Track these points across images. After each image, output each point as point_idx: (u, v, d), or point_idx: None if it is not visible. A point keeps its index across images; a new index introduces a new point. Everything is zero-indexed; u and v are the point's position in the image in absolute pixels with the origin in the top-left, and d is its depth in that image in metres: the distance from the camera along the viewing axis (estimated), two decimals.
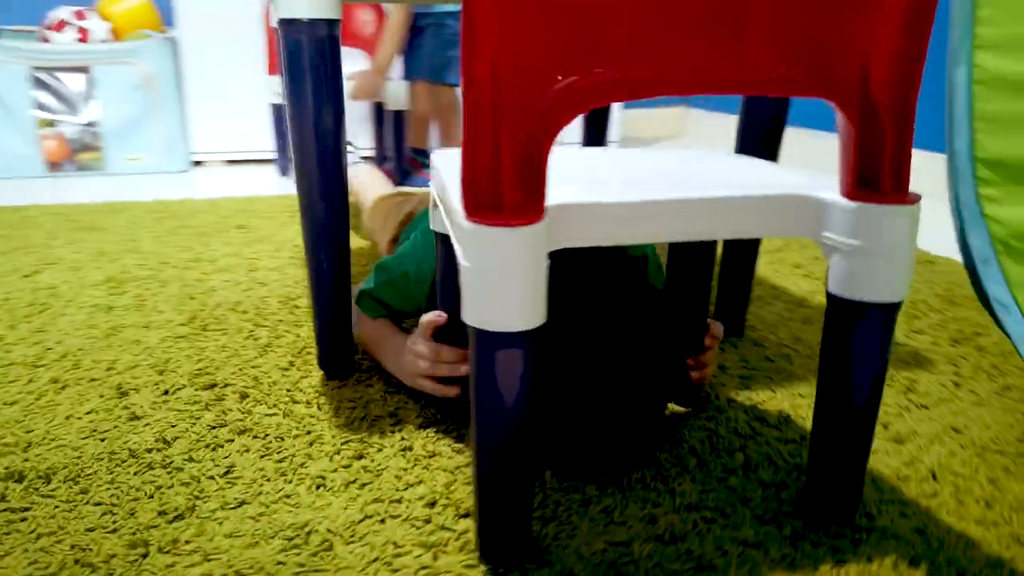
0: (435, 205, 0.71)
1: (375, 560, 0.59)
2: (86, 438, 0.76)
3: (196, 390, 0.87)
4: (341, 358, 0.90)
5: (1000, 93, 0.75)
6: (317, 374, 0.91)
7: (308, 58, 0.78)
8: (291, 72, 0.78)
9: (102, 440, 0.76)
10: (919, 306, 1.14)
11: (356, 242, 1.38)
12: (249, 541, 0.61)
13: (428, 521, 0.63)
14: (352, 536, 0.61)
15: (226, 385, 0.88)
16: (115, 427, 0.78)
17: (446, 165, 0.64)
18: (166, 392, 0.86)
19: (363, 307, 0.93)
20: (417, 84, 2.10)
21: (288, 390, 0.87)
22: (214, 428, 0.78)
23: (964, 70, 0.76)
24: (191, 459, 0.73)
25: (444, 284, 0.77)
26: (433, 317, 0.76)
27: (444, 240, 0.71)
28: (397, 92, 2.14)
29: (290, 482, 0.69)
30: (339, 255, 0.86)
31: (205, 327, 1.05)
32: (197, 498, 0.66)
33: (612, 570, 0.57)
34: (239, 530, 0.62)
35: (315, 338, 0.91)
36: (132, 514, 0.64)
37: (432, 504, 0.65)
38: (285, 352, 0.97)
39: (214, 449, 0.74)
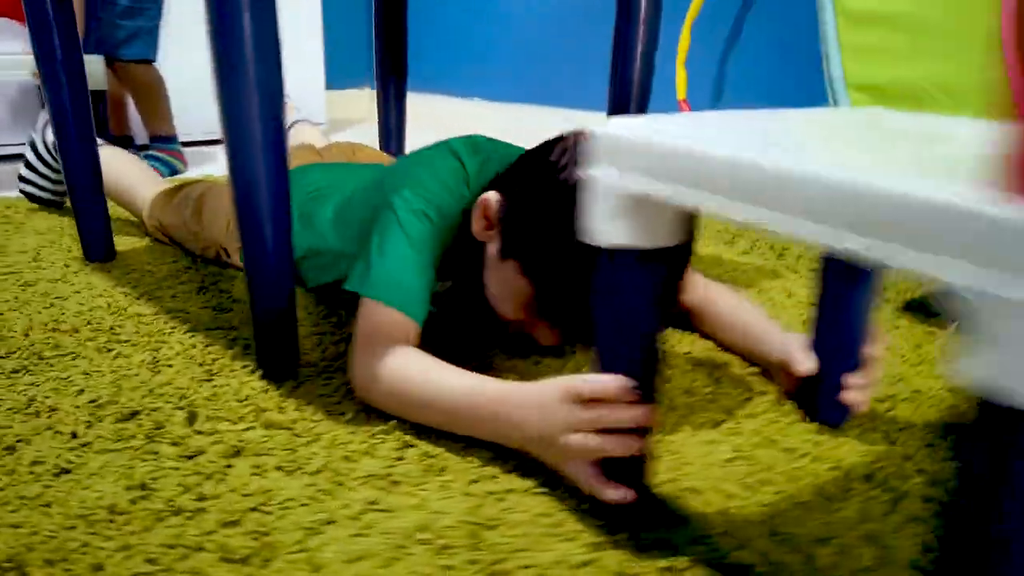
0: (621, 209, 0.47)
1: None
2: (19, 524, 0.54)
3: (116, 422, 0.66)
4: (286, 356, 0.76)
5: (858, 25, 0.91)
6: (254, 382, 0.75)
7: None
8: None
9: (47, 507, 0.55)
10: None
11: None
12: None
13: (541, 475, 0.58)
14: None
15: (151, 411, 0.69)
16: (46, 487, 0.57)
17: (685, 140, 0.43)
18: (74, 435, 0.64)
19: (410, 309, 0.69)
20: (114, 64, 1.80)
21: (240, 401, 0.71)
22: (191, 457, 0.61)
23: (828, 6, 0.91)
24: (202, 497, 0.56)
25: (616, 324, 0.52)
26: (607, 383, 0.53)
27: (624, 259, 0.49)
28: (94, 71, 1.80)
29: (382, 489, 0.58)
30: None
31: (40, 355, 0.80)
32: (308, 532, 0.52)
33: None
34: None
35: (253, 336, 0.76)
36: None
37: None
38: (183, 366, 0.78)
39: (219, 480, 0.58)
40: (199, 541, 0.51)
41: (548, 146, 0.71)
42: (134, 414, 0.68)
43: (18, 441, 0.63)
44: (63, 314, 0.91)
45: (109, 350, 0.81)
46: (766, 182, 0.39)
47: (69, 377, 0.75)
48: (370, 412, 0.68)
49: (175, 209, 1.13)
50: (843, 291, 0.64)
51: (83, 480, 0.58)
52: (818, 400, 0.67)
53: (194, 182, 1.17)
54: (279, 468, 0.60)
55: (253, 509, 0.55)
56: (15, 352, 0.81)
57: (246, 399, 0.71)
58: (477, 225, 0.73)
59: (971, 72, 0.85)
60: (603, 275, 0.51)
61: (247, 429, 0.66)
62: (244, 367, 0.77)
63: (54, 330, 0.86)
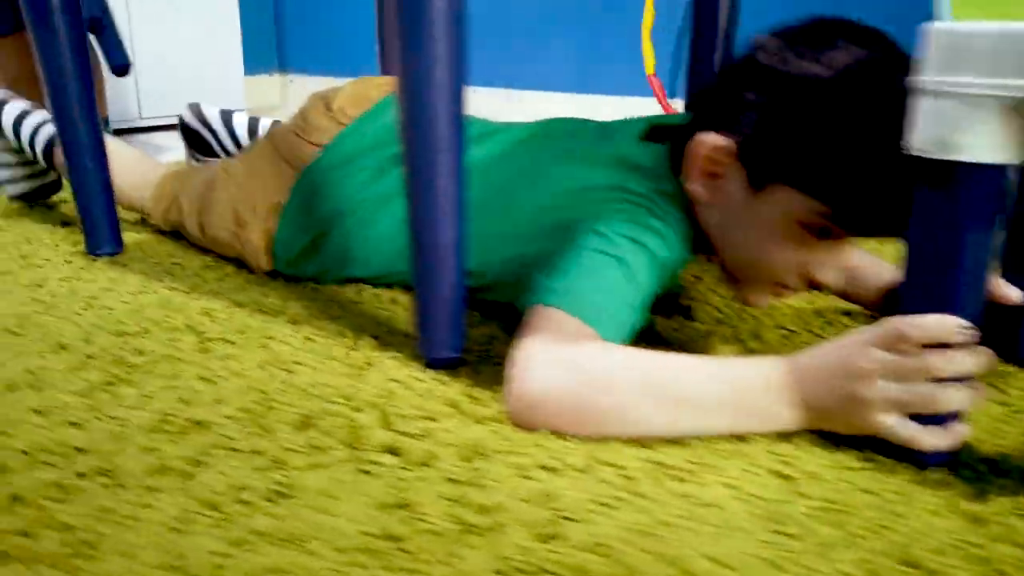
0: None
1: None
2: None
3: (295, 432, 0.53)
4: (453, 342, 0.64)
5: None
6: (416, 372, 0.63)
7: None
8: None
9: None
10: None
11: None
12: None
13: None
14: None
15: (326, 415, 0.55)
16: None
17: None
18: (255, 451, 0.50)
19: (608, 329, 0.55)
20: None
21: (421, 395, 0.59)
22: (426, 464, 0.49)
23: None
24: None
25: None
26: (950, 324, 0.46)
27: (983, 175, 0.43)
28: None
29: (680, 479, 0.48)
30: None
31: (126, 362, 0.63)
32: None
33: None
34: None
35: (418, 320, 0.63)
36: None
37: None
38: (316, 362, 0.65)
39: (481, 487, 0.47)
40: (542, 565, 0.40)
41: (754, 62, 0.59)
42: (307, 421, 0.55)
43: (190, 465, 0.49)
44: (112, 313, 0.74)
45: (207, 350, 0.66)
46: None
47: (187, 384, 0.60)
48: None
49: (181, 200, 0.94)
50: None
51: (318, 505, 0.45)
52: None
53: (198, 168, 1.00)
54: (543, 467, 0.49)
55: (566, 518, 0.44)
56: (92, 360, 0.64)
57: (427, 393, 0.59)
58: (695, 187, 0.61)
59: None
60: (948, 201, 0.44)
61: (462, 425, 0.54)
62: (391, 358, 0.65)
63: (121, 333, 0.70)
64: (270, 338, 0.69)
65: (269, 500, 0.46)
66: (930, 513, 0.45)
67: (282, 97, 2.95)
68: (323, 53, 2.81)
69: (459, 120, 0.58)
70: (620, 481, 0.48)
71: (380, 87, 0.84)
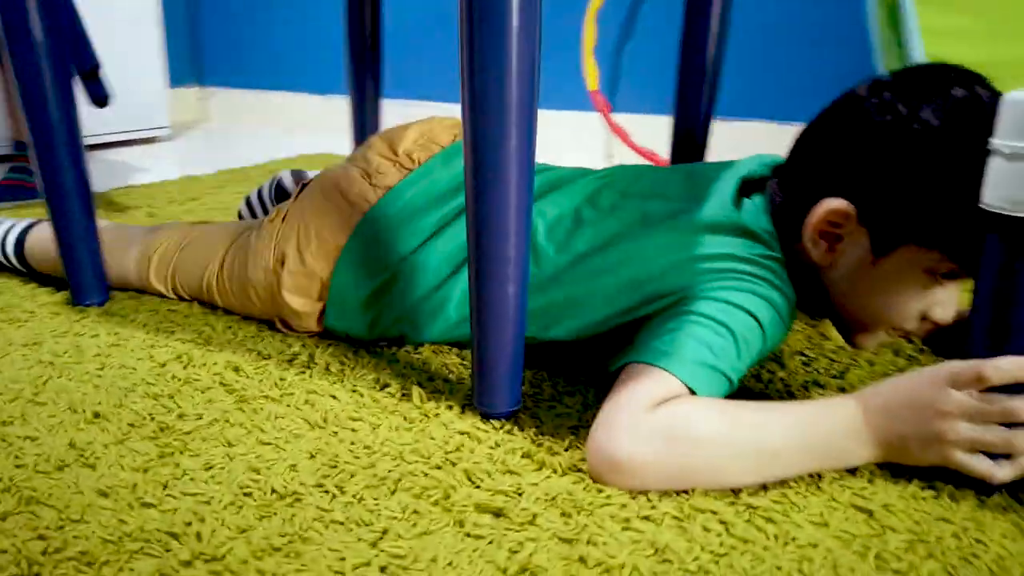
0: None
1: None
2: None
3: (387, 496, 0.52)
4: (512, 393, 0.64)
5: (937, 10, 0.96)
6: (477, 423, 0.63)
7: None
8: None
9: None
10: None
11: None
12: None
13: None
14: None
15: (405, 474, 0.55)
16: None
17: None
18: (351, 520, 0.50)
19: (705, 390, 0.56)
20: None
21: (494, 447, 0.59)
22: (532, 522, 0.50)
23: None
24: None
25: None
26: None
27: None
28: None
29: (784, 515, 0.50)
30: None
31: (168, 427, 0.61)
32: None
33: None
34: None
35: (476, 372, 0.63)
36: None
37: None
38: (374, 416, 0.64)
39: (614, 544, 0.48)
40: None
41: (856, 114, 0.61)
42: (393, 484, 0.54)
43: (295, 542, 0.48)
44: (133, 372, 0.71)
45: (254, 410, 0.64)
46: None
47: (250, 451, 0.58)
48: None
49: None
50: None
51: (436, 572, 0.45)
52: None
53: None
54: (644, 518, 0.51)
55: (687, 571, 0.46)
56: (136, 429, 0.61)
57: (497, 445, 0.60)
58: (818, 251, 0.63)
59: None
60: (1018, 248, 0.49)
61: (546, 478, 0.55)
62: (448, 408, 0.65)
63: (153, 396, 0.67)
64: (312, 392, 0.68)
65: (388, 574, 0.45)
66: (1006, 538, 0.49)
67: (202, 111, 2.85)
68: (243, 66, 2.73)
69: (529, 176, 0.58)
70: (718, 527, 0.50)
71: (448, 129, 0.80)
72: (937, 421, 0.52)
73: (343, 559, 0.46)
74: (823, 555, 0.48)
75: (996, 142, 0.49)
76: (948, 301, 0.63)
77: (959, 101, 0.57)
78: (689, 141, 0.98)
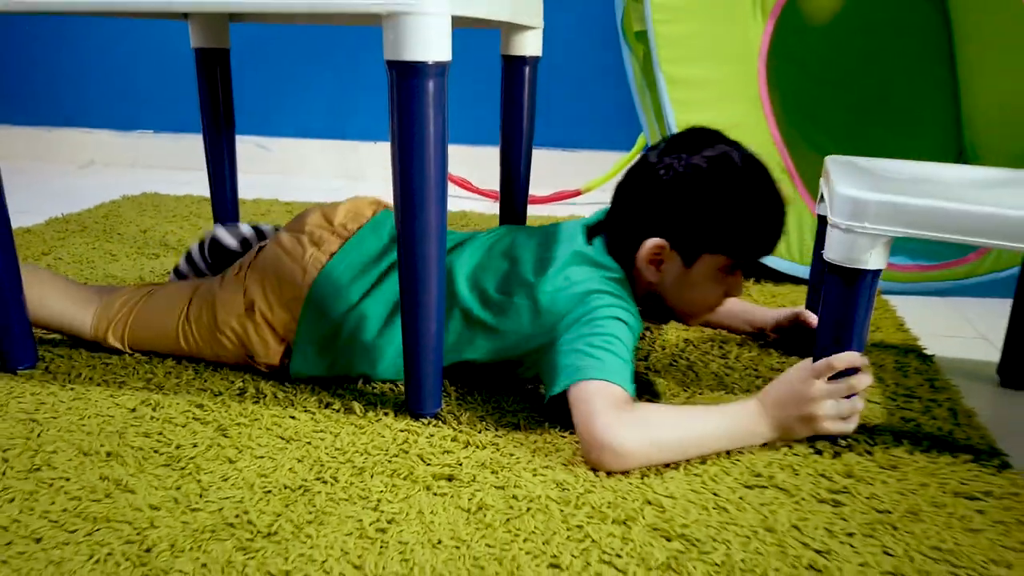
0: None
1: None
2: None
3: (380, 478, 0.74)
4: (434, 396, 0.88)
5: (680, 87, 1.32)
6: (443, 431, 0.87)
7: None
8: None
9: None
10: None
11: None
12: None
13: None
14: None
15: (385, 463, 0.77)
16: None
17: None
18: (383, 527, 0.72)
19: (628, 384, 0.81)
20: None
21: (445, 443, 0.83)
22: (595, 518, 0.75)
23: (661, 75, 1.31)
24: None
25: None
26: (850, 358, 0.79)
27: (873, 278, 0.77)
28: None
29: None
30: None
31: (195, 468, 0.78)
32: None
33: None
34: None
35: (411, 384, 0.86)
36: None
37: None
38: (352, 447, 0.85)
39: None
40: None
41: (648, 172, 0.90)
42: (364, 469, 0.77)
43: (317, 516, 0.69)
44: (114, 420, 0.86)
45: (231, 435, 0.83)
46: (974, 219, 0.73)
47: (246, 464, 0.77)
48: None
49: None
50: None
51: (423, 521, 0.69)
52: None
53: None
54: (564, 465, 0.78)
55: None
56: (147, 461, 0.77)
57: (433, 435, 0.84)
58: (650, 273, 0.91)
59: (745, 115, 1.33)
60: (851, 291, 0.77)
61: (475, 451, 0.80)
62: (385, 415, 0.88)
63: (145, 435, 0.82)
64: (274, 416, 0.87)
65: (385, 533, 0.68)
66: (858, 467, 0.82)
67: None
68: (28, 105, 2.65)
69: (442, 236, 0.83)
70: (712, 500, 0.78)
71: (369, 205, 1.02)
72: (810, 405, 0.80)
73: (360, 520, 0.69)
74: (780, 495, 0.77)
75: (833, 219, 0.77)
76: (737, 284, 0.94)
77: (716, 155, 0.88)
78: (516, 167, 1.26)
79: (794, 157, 1.88)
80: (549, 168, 2.24)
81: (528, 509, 0.71)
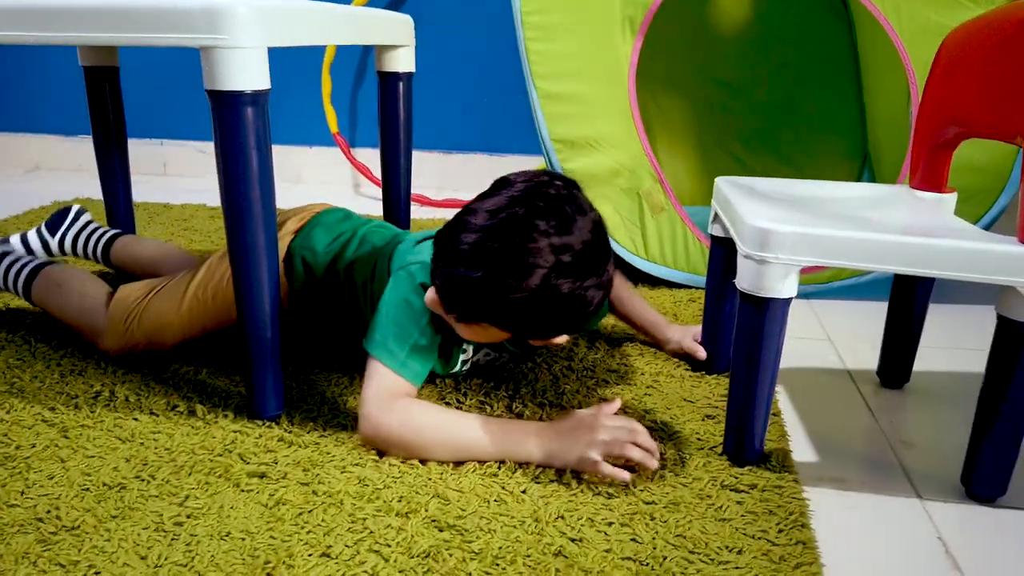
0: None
1: None
2: None
3: (186, 477, 0.81)
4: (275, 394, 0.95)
5: (553, 101, 1.39)
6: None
7: None
8: None
9: None
10: None
11: None
12: None
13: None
14: None
15: (211, 459, 0.84)
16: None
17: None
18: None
19: (413, 376, 0.88)
20: None
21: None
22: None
23: (533, 90, 1.37)
24: None
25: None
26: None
27: (783, 306, 0.81)
28: None
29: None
30: None
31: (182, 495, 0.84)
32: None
33: None
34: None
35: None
36: None
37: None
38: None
39: None
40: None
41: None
42: (183, 467, 0.83)
43: (124, 512, 0.75)
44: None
45: (71, 436, 0.89)
46: (880, 247, 0.76)
47: (75, 464, 0.83)
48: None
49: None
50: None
51: (225, 508, 0.75)
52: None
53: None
54: (373, 462, 0.84)
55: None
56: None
57: (261, 436, 0.90)
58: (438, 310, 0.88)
59: (616, 128, 1.40)
60: (764, 318, 0.80)
61: (295, 451, 0.87)
62: (224, 416, 0.94)
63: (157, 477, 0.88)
64: (119, 418, 0.93)
65: (181, 527, 0.75)
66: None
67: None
68: None
69: (271, 252, 0.89)
70: (400, 465, 0.85)
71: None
72: (588, 433, 0.82)
73: (161, 515, 0.75)
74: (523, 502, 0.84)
75: (745, 249, 0.80)
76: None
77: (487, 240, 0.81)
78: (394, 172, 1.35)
79: (706, 162, 1.96)
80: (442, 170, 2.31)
81: (322, 504, 0.77)
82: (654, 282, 1.49)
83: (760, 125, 1.95)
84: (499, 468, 0.84)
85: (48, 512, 0.75)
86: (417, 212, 2.08)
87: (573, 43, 1.37)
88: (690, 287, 1.47)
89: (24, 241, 1.37)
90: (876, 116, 1.78)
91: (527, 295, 0.79)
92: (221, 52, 0.81)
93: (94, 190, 2.25)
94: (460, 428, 0.86)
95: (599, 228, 0.83)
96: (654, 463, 0.82)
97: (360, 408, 0.87)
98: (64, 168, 2.68)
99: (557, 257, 0.78)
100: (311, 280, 1.08)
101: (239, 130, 0.84)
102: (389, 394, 0.87)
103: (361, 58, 2.36)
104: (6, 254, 1.21)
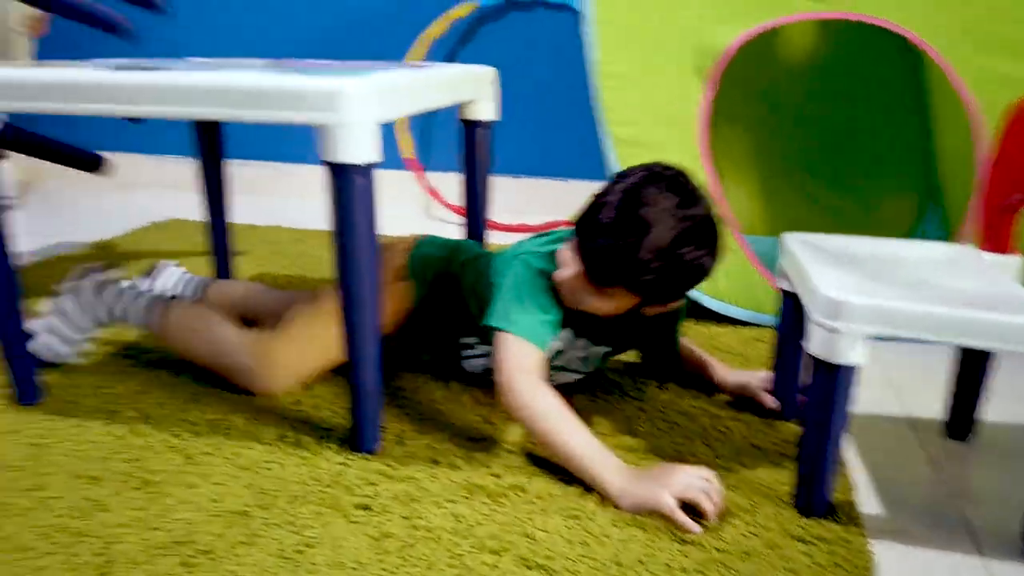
0: None
1: None
2: None
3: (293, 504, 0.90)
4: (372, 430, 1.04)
5: (625, 146, 1.45)
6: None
7: None
8: None
9: None
10: None
11: None
12: None
13: None
14: None
15: (318, 492, 0.93)
16: None
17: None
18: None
19: (540, 342, 1.01)
20: None
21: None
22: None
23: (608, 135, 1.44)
24: None
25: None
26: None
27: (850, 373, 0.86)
28: None
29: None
30: None
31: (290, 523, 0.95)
32: None
33: None
34: None
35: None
36: None
37: None
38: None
39: None
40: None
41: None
42: (298, 496, 0.92)
43: (254, 534, 0.85)
44: (103, 446, 1.03)
45: (196, 463, 0.99)
46: (944, 319, 0.81)
47: (203, 490, 0.94)
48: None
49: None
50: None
51: (336, 548, 0.84)
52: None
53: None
54: (453, 500, 0.93)
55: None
56: (124, 484, 0.95)
57: (363, 469, 0.99)
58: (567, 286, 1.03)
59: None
60: (833, 381, 0.85)
61: (402, 482, 0.96)
62: (328, 448, 1.03)
63: (126, 461, 1.00)
64: (236, 446, 1.03)
65: (302, 555, 0.84)
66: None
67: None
68: None
69: (375, 305, 0.98)
70: (485, 502, 0.93)
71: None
72: (667, 476, 0.91)
73: (283, 543, 0.84)
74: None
75: (815, 318, 0.85)
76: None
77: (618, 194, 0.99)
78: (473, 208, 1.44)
79: (771, 191, 1.99)
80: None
81: (423, 538, 0.86)
82: (719, 319, 1.54)
83: (825, 154, 1.99)
84: (580, 502, 0.91)
85: (186, 536, 0.85)
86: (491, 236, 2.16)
87: (646, 92, 1.44)
88: (756, 325, 1.52)
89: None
90: (944, 150, 1.79)
91: (657, 257, 0.95)
92: (337, 129, 0.90)
93: (183, 209, 2.40)
94: (569, 432, 0.96)
95: (711, 208, 1.00)
96: (714, 518, 0.89)
97: (496, 377, 1.00)
98: (156, 185, 2.85)
99: (682, 226, 0.96)
100: (429, 292, 1.22)
101: (351, 196, 0.93)
102: (519, 365, 1.00)
103: None
104: (123, 286, 1.30)
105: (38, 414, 1.12)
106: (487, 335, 1.10)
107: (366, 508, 0.91)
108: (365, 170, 0.92)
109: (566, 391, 1.12)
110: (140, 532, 0.86)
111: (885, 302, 0.84)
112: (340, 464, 1.00)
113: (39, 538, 0.85)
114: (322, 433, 1.08)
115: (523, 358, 1.00)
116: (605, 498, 0.93)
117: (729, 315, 1.52)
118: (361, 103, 0.89)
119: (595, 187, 1.03)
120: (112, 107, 0.95)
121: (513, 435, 1.08)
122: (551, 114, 2.42)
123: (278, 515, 0.89)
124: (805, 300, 0.93)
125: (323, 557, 0.83)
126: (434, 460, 1.02)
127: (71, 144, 1.56)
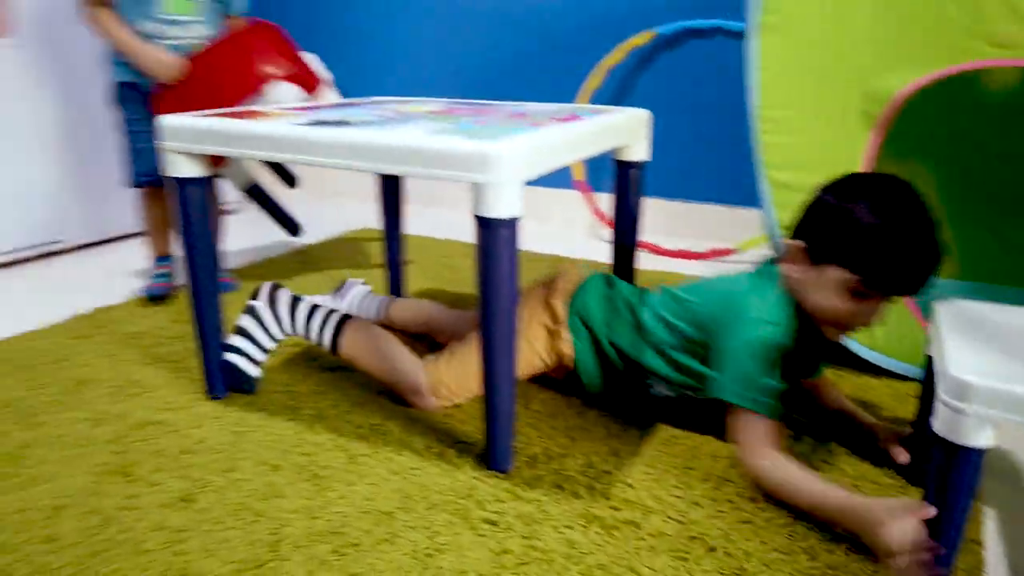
0: None
1: None
2: None
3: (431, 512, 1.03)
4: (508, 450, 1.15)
5: (783, 191, 1.46)
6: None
7: None
8: None
9: None
10: None
11: None
12: None
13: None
14: None
15: (450, 503, 1.06)
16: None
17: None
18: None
19: (773, 413, 1.07)
20: None
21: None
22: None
23: (765, 179, 1.45)
24: None
25: None
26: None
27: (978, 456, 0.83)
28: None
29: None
30: None
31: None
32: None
33: None
34: None
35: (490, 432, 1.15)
36: None
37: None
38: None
39: None
40: None
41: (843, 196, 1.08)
42: (436, 504, 1.05)
43: (396, 532, 0.99)
44: (284, 439, 1.22)
45: (357, 463, 1.15)
46: None
47: (366, 484, 1.09)
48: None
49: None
50: None
51: (461, 552, 0.96)
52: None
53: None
54: (570, 526, 1.01)
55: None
56: (299, 475, 1.12)
57: (494, 486, 1.10)
58: (793, 271, 1.11)
59: None
60: (955, 465, 0.85)
61: (528, 503, 1.06)
62: (466, 463, 1.15)
63: (302, 454, 1.18)
64: (390, 451, 1.18)
65: (431, 558, 0.96)
66: None
67: None
68: None
69: (512, 339, 1.09)
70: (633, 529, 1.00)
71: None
72: (893, 533, 0.89)
73: (417, 545, 0.97)
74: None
75: (942, 396, 0.84)
76: (873, 314, 1.08)
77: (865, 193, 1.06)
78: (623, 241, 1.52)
79: (956, 233, 1.90)
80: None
81: (538, 559, 0.95)
82: (876, 371, 1.50)
83: (1021, 194, 1.84)
84: (690, 554, 0.97)
85: (341, 527, 1.01)
86: (645, 260, 2.21)
87: (807, 137, 1.43)
88: (914, 379, 1.46)
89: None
90: None
91: (877, 223, 1.03)
92: (487, 187, 1.00)
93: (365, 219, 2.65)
94: (804, 490, 1.02)
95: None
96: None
97: (737, 451, 1.10)
98: (352, 196, 3.15)
99: (903, 208, 1.03)
100: (591, 345, 1.31)
101: (496, 245, 1.03)
102: (758, 439, 1.07)
103: None
104: (314, 303, 1.43)
105: (235, 404, 1.33)
106: (671, 382, 1.22)
107: (492, 523, 1.02)
108: (510, 223, 1.02)
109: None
110: (305, 519, 1.02)
111: (1015, 388, 0.81)
112: (475, 479, 1.12)
113: (228, 514, 1.03)
114: (463, 447, 1.20)
115: (764, 436, 1.07)
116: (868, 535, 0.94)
117: (886, 367, 1.48)
118: (510, 164, 0.99)
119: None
120: (308, 158, 1.12)
121: (637, 473, 1.14)
122: (728, 140, 2.41)
123: (417, 519, 1.03)
124: (937, 374, 0.91)
125: (448, 563, 0.94)
126: (559, 486, 1.11)
127: (284, 208, 1.89)
